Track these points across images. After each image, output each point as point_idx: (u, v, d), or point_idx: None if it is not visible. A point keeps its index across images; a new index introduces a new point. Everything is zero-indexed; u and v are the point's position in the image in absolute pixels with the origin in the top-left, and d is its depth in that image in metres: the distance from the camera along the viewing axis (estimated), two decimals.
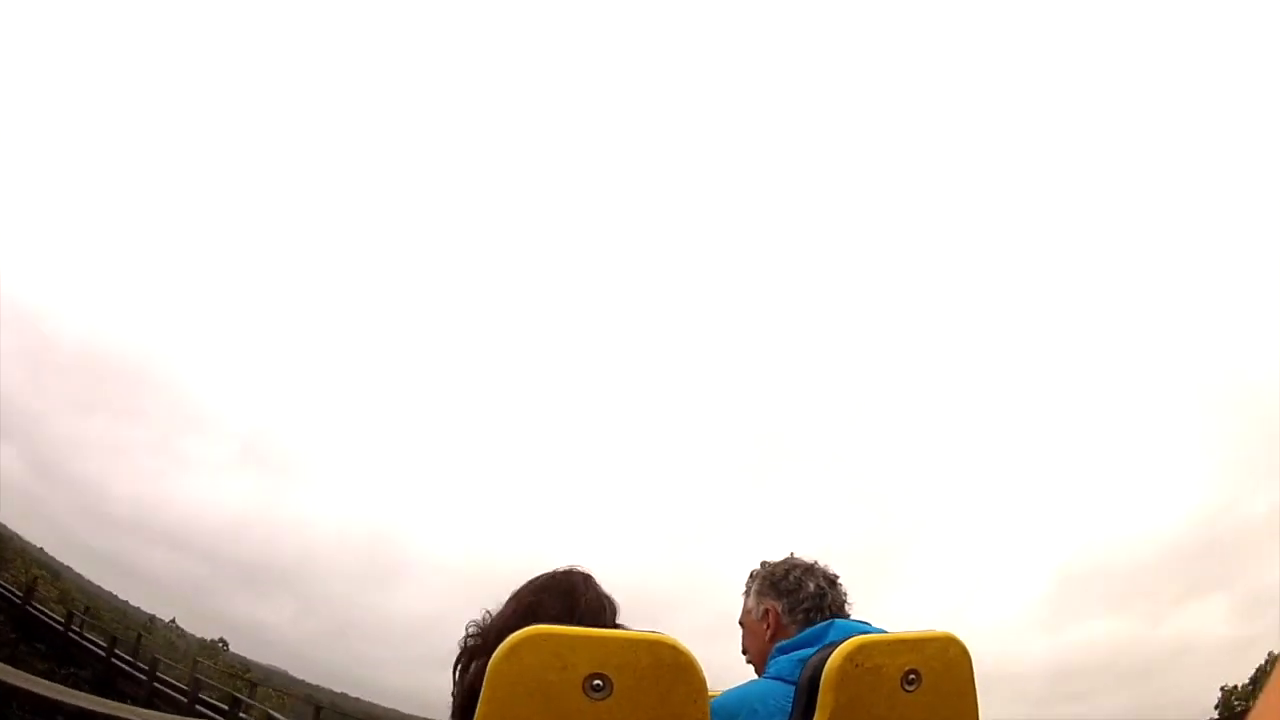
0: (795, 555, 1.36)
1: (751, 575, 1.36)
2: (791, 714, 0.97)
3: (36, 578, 19.68)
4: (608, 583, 1.08)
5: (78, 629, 15.53)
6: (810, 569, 1.33)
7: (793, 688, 1.00)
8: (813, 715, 0.94)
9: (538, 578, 1.09)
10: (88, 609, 19.03)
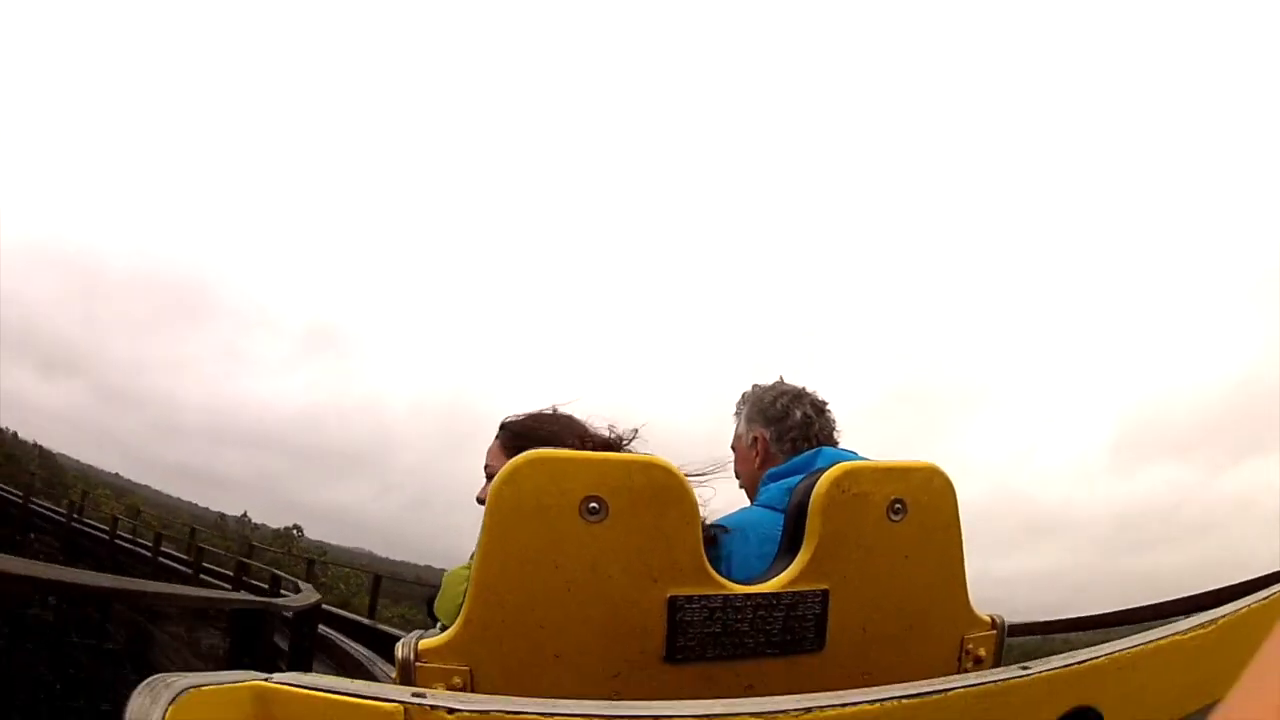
0: (784, 380, 1.35)
1: (743, 398, 1.36)
2: (780, 541, 1.00)
3: (85, 494, 20.51)
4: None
5: (127, 535, 16.03)
6: (798, 395, 1.32)
7: (782, 515, 1.02)
8: (801, 542, 0.97)
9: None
10: (139, 513, 19.89)
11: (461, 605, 0.86)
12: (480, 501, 1.17)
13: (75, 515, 16.76)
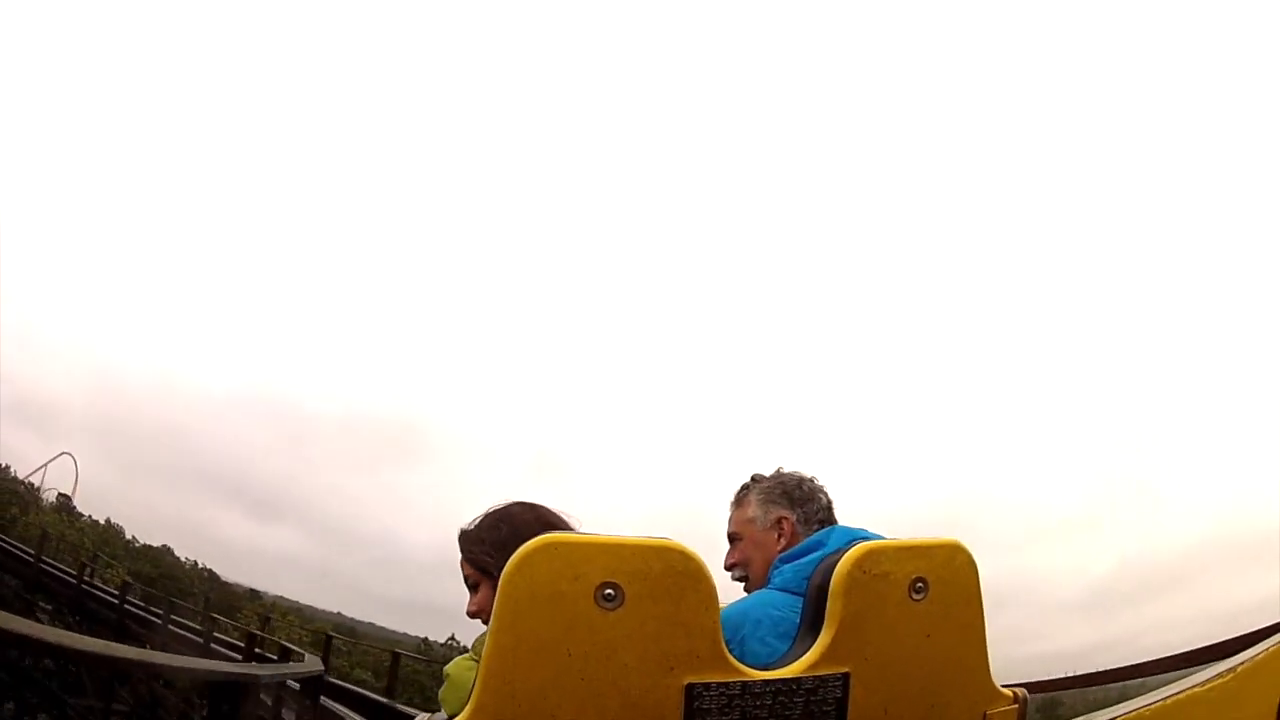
0: (786, 468, 1.34)
1: (746, 486, 1.34)
2: (800, 622, 0.97)
3: (268, 619, 21.42)
4: None
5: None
6: (813, 480, 1.32)
7: (797, 598, 1.00)
8: (821, 624, 0.95)
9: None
10: (281, 622, 20.96)
11: (469, 694, 0.83)
12: (470, 615, 1.15)
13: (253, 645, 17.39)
